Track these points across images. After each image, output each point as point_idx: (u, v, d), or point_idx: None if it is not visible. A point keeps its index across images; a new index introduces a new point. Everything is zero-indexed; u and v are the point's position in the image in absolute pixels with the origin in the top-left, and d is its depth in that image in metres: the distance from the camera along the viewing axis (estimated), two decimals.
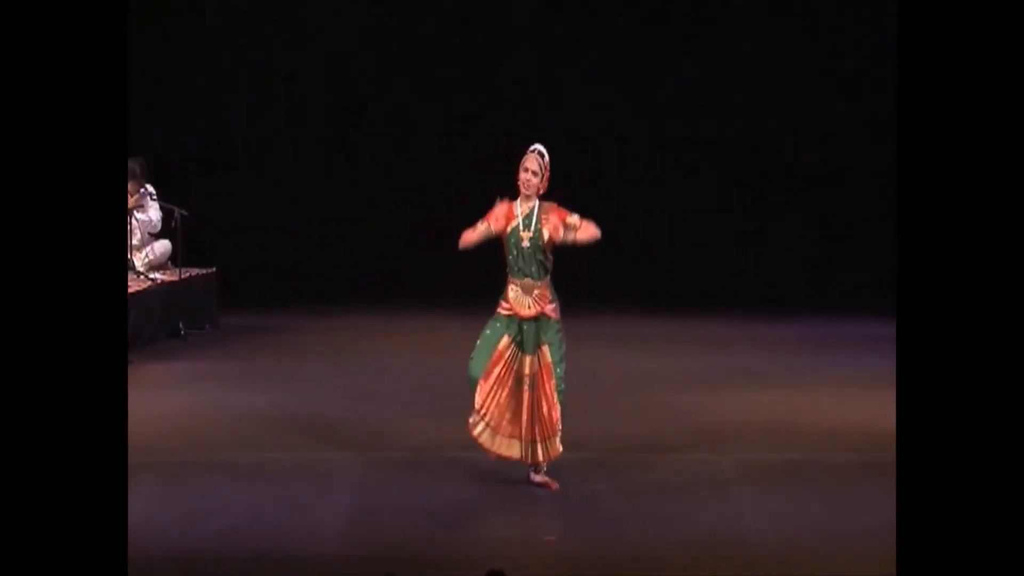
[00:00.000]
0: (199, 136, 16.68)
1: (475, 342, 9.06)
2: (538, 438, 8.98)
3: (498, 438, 9.02)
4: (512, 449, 9.01)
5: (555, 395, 8.95)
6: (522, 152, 9.03)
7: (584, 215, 9.04)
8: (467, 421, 9.04)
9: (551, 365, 8.96)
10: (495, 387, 8.99)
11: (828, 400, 11.68)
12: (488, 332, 9.03)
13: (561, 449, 9.01)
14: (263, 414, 11.14)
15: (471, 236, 8.96)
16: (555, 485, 9.06)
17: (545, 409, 8.94)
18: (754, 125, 16.69)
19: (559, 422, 8.96)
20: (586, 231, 8.96)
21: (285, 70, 16.77)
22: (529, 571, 7.70)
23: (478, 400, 9.00)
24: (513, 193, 9.01)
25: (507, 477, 9.24)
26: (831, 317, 15.41)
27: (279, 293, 16.04)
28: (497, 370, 8.97)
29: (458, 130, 16.61)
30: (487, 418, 9.00)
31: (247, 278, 15.76)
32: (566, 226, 8.94)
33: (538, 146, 9.04)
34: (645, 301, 15.89)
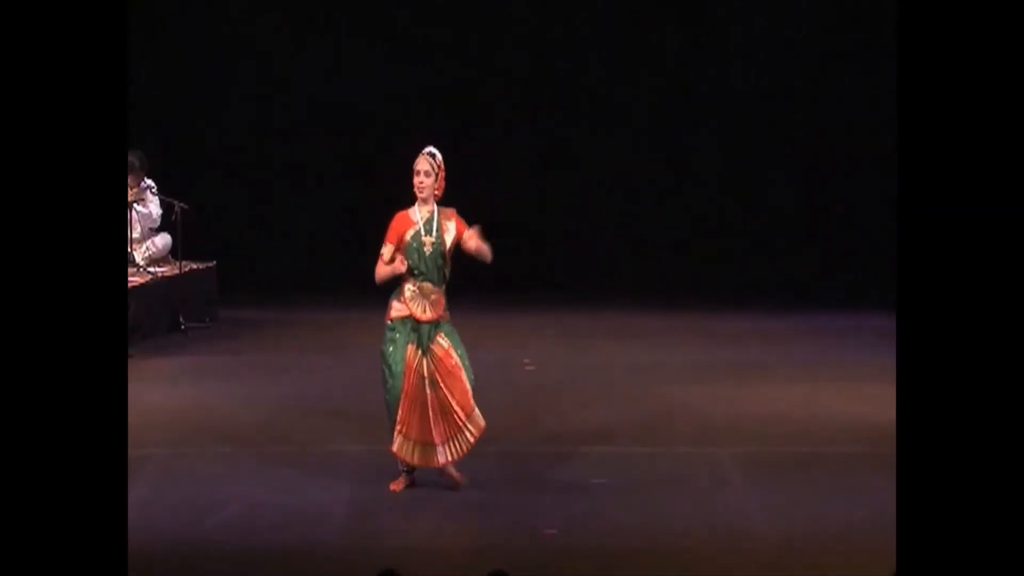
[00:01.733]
0: (199, 129, 16.65)
1: (381, 366, 8.81)
2: (453, 433, 8.78)
3: (421, 448, 8.77)
4: (438, 456, 8.77)
5: (462, 371, 8.76)
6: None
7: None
8: (391, 444, 8.79)
9: (450, 348, 8.76)
10: (411, 403, 8.74)
11: (829, 393, 11.66)
12: (391, 348, 8.79)
13: (483, 424, 8.80)
14: (263, 407, 11.14)
15: (384, 270, 8.81)
16: (464, 478, 8.89)
17: (456, 393, 8.74)
18: (756, 115, 16.66)
19: (471, 399, 8.74)
20: (483, 249, 8.78)
21: (285, 62, 16.75)
22: (529, 565, 7.70)
23: (399, 418, 8.76)
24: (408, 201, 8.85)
25: (506, 471, 9.23)
26: (832, 310, 15.40)
27: (279, 287, 16.02)
28: (410, 382, 8.73)
29: (457, 123, 16.59)
30: (411, 435, 8.76)
31: (247, 271, 15.73)
32: (466, 238, 8.78)
33: (429, 148, 8.88)
34: (645, 294, 15.88)
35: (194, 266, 14.58)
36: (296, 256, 16.55)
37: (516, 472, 9.20)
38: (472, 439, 8.83)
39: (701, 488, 9.11)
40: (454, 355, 8.80)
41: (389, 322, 8.88)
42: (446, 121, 16.40)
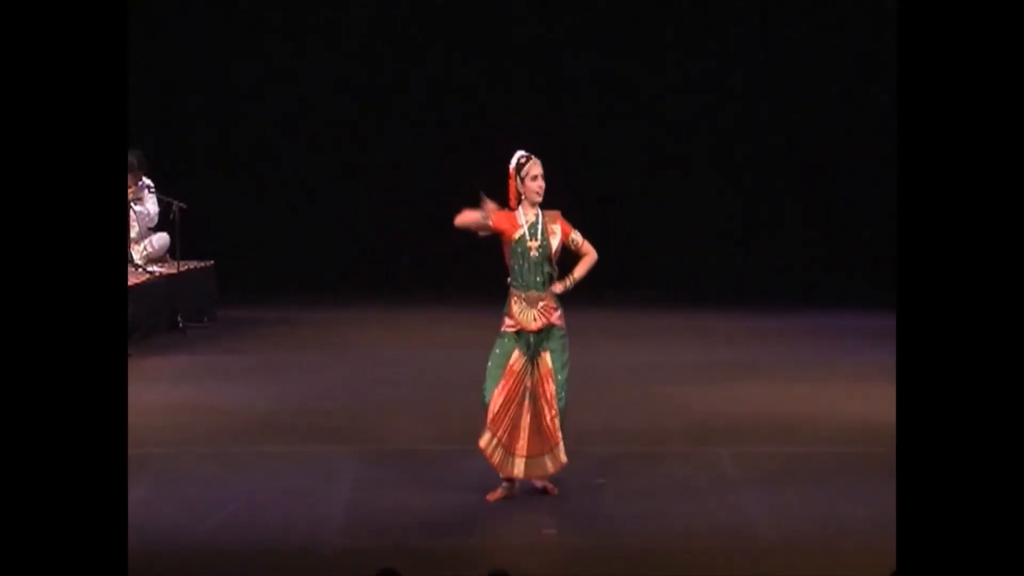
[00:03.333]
0: (197, 128, 16.66)
1: (486, 364, 8.70)
2: (544, 451, 8.68)
3: (510, 458, 8.66)
4: (515, 467, 8.66)
5: (555, 401, 8.65)
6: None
7: (585, 235, 8.83)
8: (479, 438, 8.67)
9: (552, 372, 8.66)
10: (507, 403, 8.63)
11: (828, 393, 11.67)
12: (498, 351, 8.70)
13: (565, 460, 8.69)
14: (262, 407, 11.14)
15: (469, 218, 8.62)
16: (555, 490, 8.81)
17: (547, 418, 8.63)
18: (754, 116, 16.68)
19: (559, 431, 8.64)
20: (587, 260, 8.77)
21: (284, 62, 16.75)
22: (529, 565, 7.70)
23: (490, 415, 8.63)
24: (501, 198, 8.72)
25: None
26: (832, 310, 15.40)
27: (278, 286, 16.03)
28: (510, 387, 8.62)
29: (458, 122, 16.59)
30: (500, 435, 8.64)
31: (246, 270, 15.73)
32: (570, 243, 8.73)
33: (524, 151, 8.74)
34: (645, 294, 15.88)
35: (192, 265, 14.59)
36: (295, 255, 16.55)
37: None
38: (551, 469, 8.71)
39: (701, 488, 9.10)
40: (553, 384, 8.66)
41: (502, 332, 8.74)
42: (447, 121, 16.43)
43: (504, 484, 8.76)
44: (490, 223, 8.65)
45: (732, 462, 9.64)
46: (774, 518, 8.50)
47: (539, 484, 8.82)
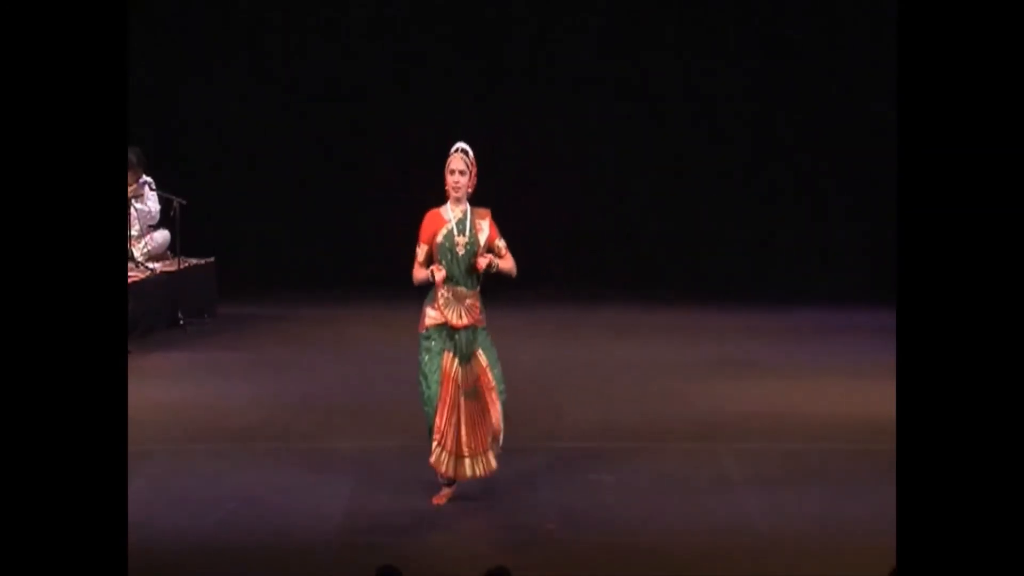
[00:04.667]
0: (197, 126, 16.65)
1: (417, 377, 8.61)
2: (469, 453, 8.53)
3: (453, 459, 8.52)
4: (466, 468, 8.54)
5: (498, 399, 8.55)
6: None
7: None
8: (429, 456, 8.55)
9: (488, 368, 8.55)
10: (449, 412, 8.49)
11: (828, 389, 11.67)
12: (426, 357, 8.57)
13: (495, 466, 8.58)
14: (262, 403, 11.15)
15: (422, 274, 8.53)
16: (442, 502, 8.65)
17: (490, 418, 8.52)
18: (754, 114, 16.67)
19: (501, 429, 8.55)
20: (506, 263, 8.57)
21: (282, 58, 16.75)
22: (529, 561, 7.70)
23: (436, 429, 8.50)
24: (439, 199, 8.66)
25: (505, 467, 9.22)
26: (832, 306, 15.40)
27: (278, 283, 16.03)
28: (449, 393, 8.49)
29: (458, 119, 16.59)
30: (446, 444, 8.51)
31: (246, 267, 15.73)
32: (495, 248, 8.57)
33: (461, 144, 8.62)
34: (644, 290, 15.89)
35: (193, 262, 14.58)
36: (295, 252, 16.55)
37: (515, 468, 9.19)
38: (494, 465, 8.61)
39: (700, 485, 9.10)
40: (491, 375, 8.57)
41: (424, 331, 8.63)
42: (445, 121, 16.42)
43: (445, 486, 8.66)
44: (432, 268, 8.49)
45: (732, 459, 9.65)
46: (774, 515, 8.50)
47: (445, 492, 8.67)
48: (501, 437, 8.62)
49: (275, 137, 16.72)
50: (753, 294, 15.87)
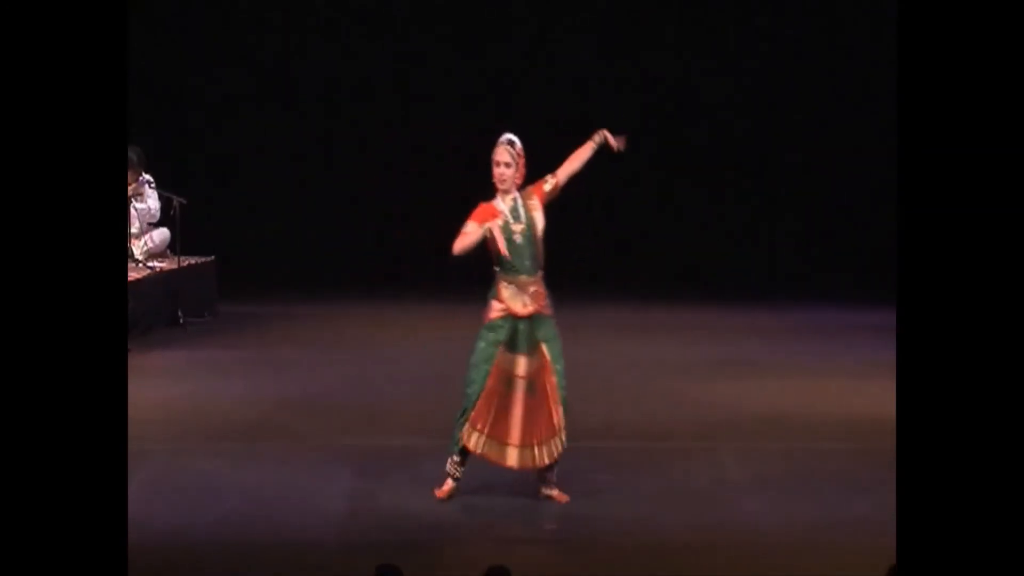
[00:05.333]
0: (198, 125, 16.66)
1: (468, 358, 8.53)
2: (536, 441, 8.49)
3: (494, 444, 8.49)
4: (508, 456, 8.51)
5: (558, 394, 8.49)
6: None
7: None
8: (467, 441, 8.50)
9: (551, 363, 8.49)
10: (489, 397, 8.46)
11: (829, 389, 11.67)
12: (482, 344, 8.50)
13: (562, 449, 8.52)
14: (262, 401, 11.15)
15: (466, 241, 8.42)
16: (565, 498, 8.64)
17: (548, 411, 8.46)
18: (753, 112, 16.68)
19: (562, 422, 8.49)
20: (569, 165, 8.57)
21: (282, 57, 16.76)
22: (528, 560, 7.70)
23: (475, 412, 8.46)
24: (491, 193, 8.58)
25: None
26: (831, 305, 15.41)
27: (278, 281, 16.03)
28: (493, 380, 8.45)
29: (458, 118, 16.60)
30: (482, 428, 8.47)
31: (246, 266, 15.73)
32: (553, 187, 8.55)
33: (507, 135, 8.55)
34: (645, 289, 15.89)
35: (193, 261, 14.59)
36: (295, 251, 16.56)
37: None
38: (546, 459, 8.54)
39: (701, 483, 9.10)
40: (554, 374, 8.50)
41: (488, 322, 8.54)
42: (445, 118, 16.44)
43: (452, 479, 8.64)
44: (482, 228, 8.44)
45: (733, 458, 9.65)
46: (775, 514, 8.50)
47: (551, 492, 8.66)
48: (562, 435, 8.53)
49: (275, 136, 16.73)
50: (753, 294, 15.87)
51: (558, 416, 8.51)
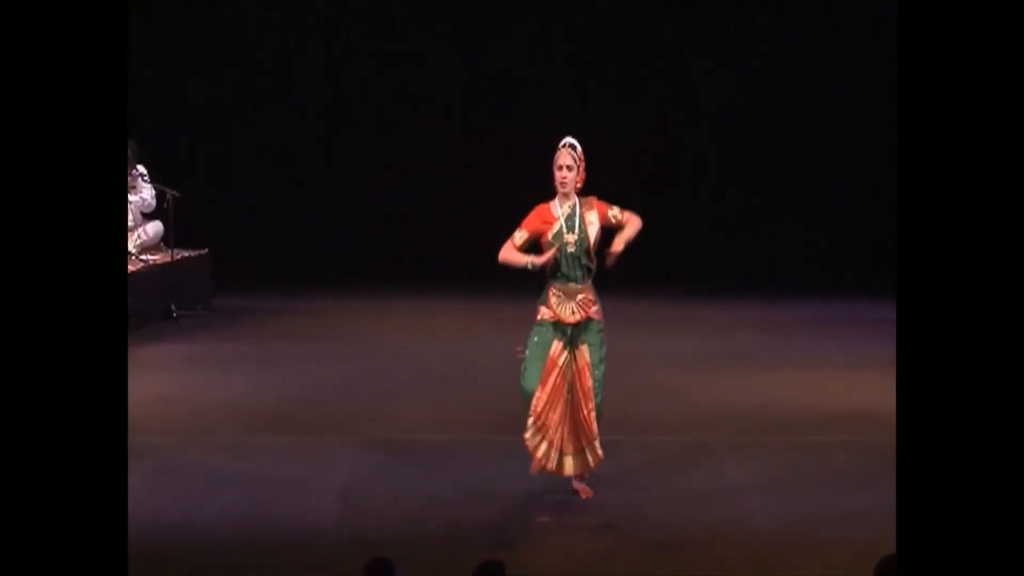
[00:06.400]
0: (194, 119, 16.64)
1: (526, 347, 8.52)
2: (581, 446, 8.55)
3: (554, 454, 8.51)
4: (567, 466, 8.56)
5: (592, 395, 8.52)
6: (552, 146, 8.53)
7: (624, 206, 8.61)
8: (524, 433, 8.51)
9: (589, 366, 8.52)
10: (552, 396, 8.48)
11: (826, 382, 11.68)
12: (536, 339, 8.50)
13: (601, 455, 8.57)
14: (256, 396, 11.15)
15: (514, 258, 8.44)
16: (590, 493, 8.67)
17: (584, 412, 8.49)
18: (752, 107, 16.69)
19: (595, 424, 8.51)
20: (631, 226, 8.51)
21: (278, 52, 16.74)
22: (524, 554, 7.73)
23: (535, 408, 8.45)
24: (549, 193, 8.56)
25: (502, 460, 9.25)
26: (830, 299, 15.42)
27: (272, 275, 16.02)
28: (552, 378, 8.47)
29: (455, 113, 16.60)
30: (545, 431, 8.48)
31: (240, 260, 15.72)
32: (611, 220, 8.52)
33: (569, 139, 8.55)
34: (642, 283, 15.88)
35: (187, 254, 14.57)
36: (290, 244, 16.55)
37: (510, 459, 9.20)
38: (591, 464, 8.60)
39: (698, 477, 9.12)
40: (590, 379, 8.54)
41: (537, 323, 8.58)
42: (444, 117, 16.45)
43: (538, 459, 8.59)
44: (530, 237, 8.49)
45: (730, 452, 9.67)
46: (771, 506, 8.52)
47: (576, 486, 8.69)
48: (598, 441, 8.57)
49: (269, 129, 16.70)
50: (750, 287, 15.87)
51: (591, 417, 8.52)
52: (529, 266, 8.46)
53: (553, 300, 8.53)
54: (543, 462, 8.54)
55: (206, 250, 14.76)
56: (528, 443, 8.53)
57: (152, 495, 8.62)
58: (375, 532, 8.14)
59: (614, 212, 8.57)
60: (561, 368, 8.51)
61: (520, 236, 8.52)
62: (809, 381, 11.72)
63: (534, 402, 8.47)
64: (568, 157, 8.50)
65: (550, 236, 8.47)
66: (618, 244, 8.48)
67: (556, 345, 8.50)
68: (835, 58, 16.53)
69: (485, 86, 16.62)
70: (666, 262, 16.27)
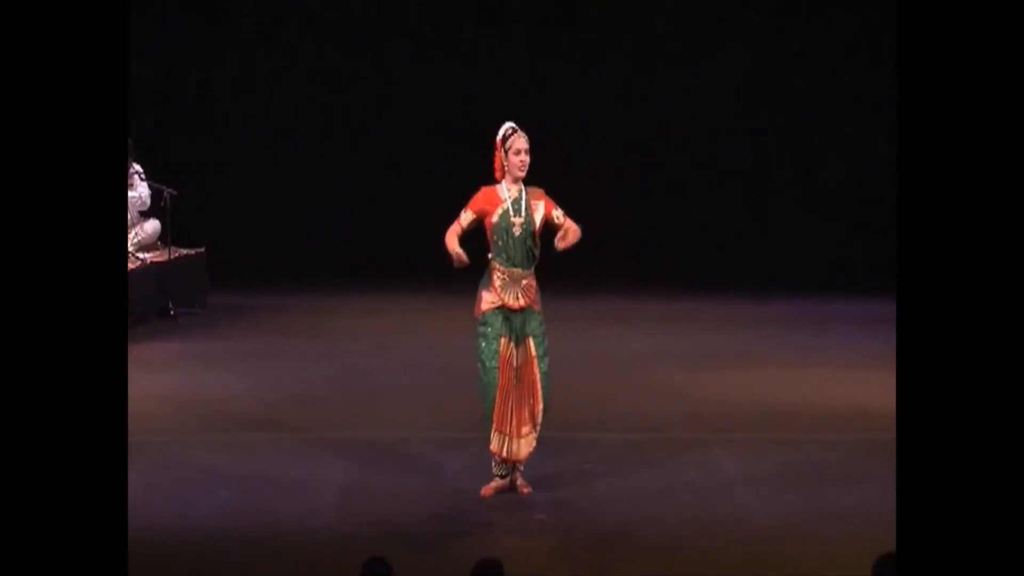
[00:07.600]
0: (187, 115, 16.64)
1: (478, 361, 8.52)
2: (522, 433, 8.54)
3: (516, 441, 8.52)
4: (518, 450, 8.56)
5: (540, 390, 8.54)
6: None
7: (568, 212, 8.66)
8: (488, 443, 8.54)
9: (536, 360, 8.54)
10: (504, 398, 8.50)
11: (823, 379, 11.69)
12: (484, 344, 8.50)
13: (534, 446, 8.59)
14: (254, 393, 11.15)
15: (454, 244, 8.43)
16: (529, 489, 8.65)
17: (530, 404, 8.52)
18: (751, 103, 16.69)
19: (540, 417, 8.55)
20: (573, 233, 8.51)
21: (274, 50, 16.75)
22: (520, 552, 7.72)
23: (495, 414, 8.49)
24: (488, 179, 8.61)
25: None
26: (826, 296, 15.43)
27: (269, 273, 16.02)
28: (505, 379, 8.49)
29: (448, 110, 16.60)
30: (501, 427, 8.50)
31: (237, 258, 15.72)
32: (553, 219, 8.54)
33: (512, 123, 8.59)
34: (637, 280, 15.90)
35: (184, 252, 14.57)
36: (287, 242, 16.55)
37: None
38: (531, 449, 8.61)
39: (694, 474, 9.12)
40: (538, 370, 8.55)
41: (480, 315, 8.55)
42: (441, 116, 16.45)
43: (499, 477, 8.66)
44: (476, 218, 8.53)
45: (725, 449, 9.66)
46: (767, 504, 8.52)
47: (519, 482, 8.69)
48: (538, 428, 8.59)
49: (266, 127, 16.71)
50: (747, 284, 15.88)
51: (539, 412, 8.56)
52: (456, 261, 8.44)
53: (497, 282, 8.50)
54: (502, 454, 8.55)
55: (203, 248, 14.76)
56: (497, 452, 8.55)
57: (148, 492, 8.59)
58: (371, 530, 8.12)
59: (558, 214, 8.60)
60: (508, 361, 8.49)
61: (466, 217, 8.54)
62: (808, 378, 11.73)
63: (495, 408, 8.47)
64: (525, 141, 8.53)
65: (495, 218, 8.48)
66: (560, 245, 8.51)
67: (503, 342, 8.49)
68: (836, 53, 16.53)
69: (485, 86, 16.61)
70: (662, 259, 16.29)
